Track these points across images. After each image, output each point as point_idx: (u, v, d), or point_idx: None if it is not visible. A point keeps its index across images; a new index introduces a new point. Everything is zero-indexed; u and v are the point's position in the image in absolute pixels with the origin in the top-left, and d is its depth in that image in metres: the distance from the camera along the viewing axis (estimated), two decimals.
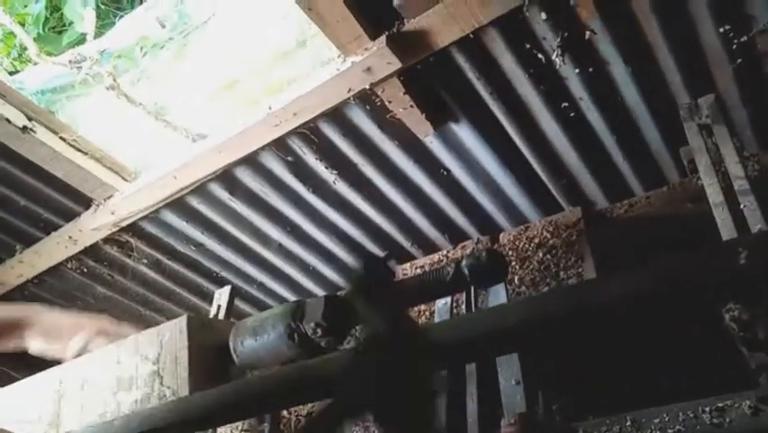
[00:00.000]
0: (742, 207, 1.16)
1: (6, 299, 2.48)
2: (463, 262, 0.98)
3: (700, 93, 1.45)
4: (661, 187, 1.77)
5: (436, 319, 1.57)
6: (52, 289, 2.51)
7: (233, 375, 1.25)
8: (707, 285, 0.58)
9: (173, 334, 1.23)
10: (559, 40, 1.46)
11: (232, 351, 1.18)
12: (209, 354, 1.24)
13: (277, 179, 1.96)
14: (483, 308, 1.51)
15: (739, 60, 1.48)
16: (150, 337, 1.27)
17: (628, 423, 1.06)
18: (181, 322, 1.23)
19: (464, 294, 1.58)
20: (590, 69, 1.53)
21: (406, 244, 2.16)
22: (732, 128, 1.35)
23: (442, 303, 1.58)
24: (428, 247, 2.16)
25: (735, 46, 1.45)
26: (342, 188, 1.95)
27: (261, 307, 2.53)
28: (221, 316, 1.76)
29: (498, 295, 1.46)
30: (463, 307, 1.57)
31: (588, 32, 1.45)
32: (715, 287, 0.59)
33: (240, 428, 1.55)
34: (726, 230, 1.15)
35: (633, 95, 1.57)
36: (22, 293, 2.50)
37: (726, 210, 1.17)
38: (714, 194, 1.21)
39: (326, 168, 1.88)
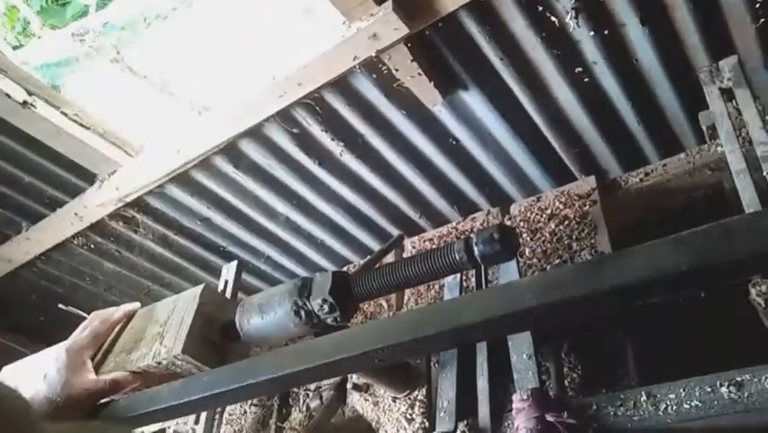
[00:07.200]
0: (765, 173, 1.11)
1: (15, 276, 2.49)
2: (474, 241, 0.95)
3: (720, 55, 1.39)
4: (677, 154, 1.72)
5: (446, 295, 1.54)
6: (60, 265, 2.51)
7: (238, 351, 1.25)
8: (742, 259, 0.54)
9: (187, 299, 1.26)
10: (573, 1, 1.40)
11: (238, 327, 1.17)
12: (214, 325, 1.25)
13: (282, 151, 1.92)
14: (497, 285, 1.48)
15: (762, 20, 1.41)
16: (166, 304, 1.30)
17: (644, 397, 1.03)
18: (197, 290, 1.26)
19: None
20: (605, 32, 1.47)
21: (414, 216, 2.13)
22: (753, 92, 1.29)
23: (451, 277, 1.55)
24: (437, 219, 2.12)
25: (758, 4, 1.38)
26: (349, 159, 1.91)
27: (269, 280, 2.52)
28: (228, 290, 1.75)
29: (509, 269, 1.42)
30: (473, 280, 1.54)
31: None
32: (753, 260, 0.54)
33: (249, 403, 1.55)
34: (748, 198, 1.10)
35: (649, 58, 1.51)
36: (30, 270, 2.51)
37: (748, 177, 1.12)
38: (735, 161, 1.16)
39: (332, 139, 1.84)
